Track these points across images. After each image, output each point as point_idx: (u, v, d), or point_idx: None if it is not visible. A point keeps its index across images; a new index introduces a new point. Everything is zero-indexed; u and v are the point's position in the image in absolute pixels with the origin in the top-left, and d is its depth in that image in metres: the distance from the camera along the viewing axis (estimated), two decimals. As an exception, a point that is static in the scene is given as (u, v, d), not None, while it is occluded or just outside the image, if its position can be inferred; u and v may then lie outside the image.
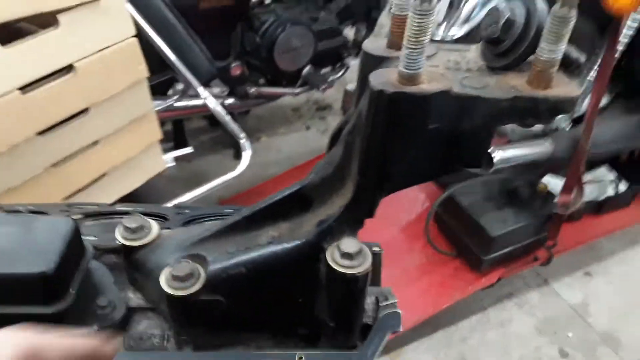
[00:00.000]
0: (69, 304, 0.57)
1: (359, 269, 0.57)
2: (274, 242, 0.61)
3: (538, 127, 2.27)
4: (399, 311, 0.66)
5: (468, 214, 2.17)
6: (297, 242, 0.60)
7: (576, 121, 2.20)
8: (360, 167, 0.56)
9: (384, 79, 0.51)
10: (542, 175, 2.38)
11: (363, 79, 0.55)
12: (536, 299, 2.42)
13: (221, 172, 2.27)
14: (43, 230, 0.59)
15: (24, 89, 1.34)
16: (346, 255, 0.57)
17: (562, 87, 0.52)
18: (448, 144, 0.55)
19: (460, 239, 2.26)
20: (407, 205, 2.53)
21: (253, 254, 0.60)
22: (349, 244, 0.58)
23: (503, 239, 2.12)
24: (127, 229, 0.62)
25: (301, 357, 0.61)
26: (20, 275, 0.55)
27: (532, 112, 0.52)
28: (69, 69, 1.45)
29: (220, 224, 0.64)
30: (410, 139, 0.53)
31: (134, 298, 0.65)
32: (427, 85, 0.51)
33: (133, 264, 0.63)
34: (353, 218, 0.60)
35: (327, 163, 0.61)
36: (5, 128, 1.32)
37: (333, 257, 0.58)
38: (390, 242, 2.43)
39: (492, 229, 2.10)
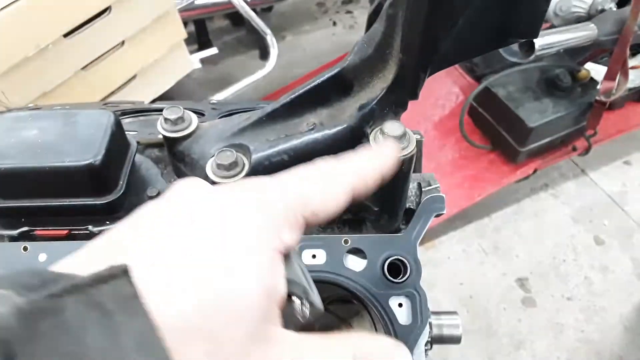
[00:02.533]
0: (119, 195, 0.59)
1: (403, 152, 0.55)
2: (314, 129, 0.60)
3: (582, 10, 2.12)
4: (443, 195, 0.66)
5: (505, 105, 2.10)
6: (339, 127, 0.58)
7: (622, 3, 2.04)
8: (403, 43, 0.52)
9: None
10: (584, 62, 2.26)
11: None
12: (572, 189, 2.41)
13: (247, 74, 2.23)
14: (85, 124, 0.59)
15: (45, -11, 1.30)
16: (390, 139, 0.56)
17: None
18: (502, 11, 0.50)
19: (496, 132, 2.21)
20: (440, 100, 2.46)
21: (294, 142, 0.59)
22: (392, 127, 0.56)
23: (541, 129, 2.07)
24: (167, 120, 0.61)
25: (347, 240, 0.62)
26: (68, 168, 0.56)
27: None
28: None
29: (259, 112, 0.62)
30: (462, 5, 0.49)
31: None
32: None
33: (177, 155, 0.63)
34: (396, 100, 0.58)
35: (366, 42, 0.58)
36: (31, 30, 1.30)
37: (376, 141, 0.57)
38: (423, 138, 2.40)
39: (530, 120, 2.04)
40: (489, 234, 2.27)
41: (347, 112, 0.59)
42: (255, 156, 0.59)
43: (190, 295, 0.29)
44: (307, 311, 0.36)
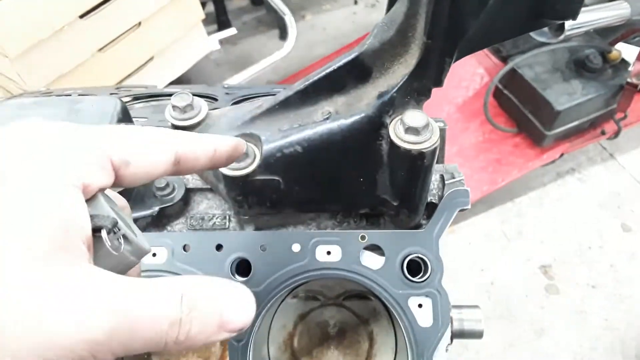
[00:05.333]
0: (124, 187, 0.56)
1: (425, 145, 0.51)
2: (330, 118, 0.56)
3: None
4: (467, 188, 0.62)
5: (532, 87, 2.02)
6: (356, 117, 0.55)
7: (658, -20, 1.93)
8: (428, 25, 0.48)
9: None
10: (616, 42, 2.16)
11: None
12: (600, 173, 2.32)
13: (267, 54, 2.19)
14: (90, 111, 0.56)
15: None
16: (411, 130, 0.52)
17: None
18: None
19: (522, 115, 2.14)
20: (464, 82, 2.39)
21: (308, 132, 0.56)
22: (414, 117, 0.52)
23: (569, 112, 1.99)
24: (175, 108, 0.58)
25: (364, 236, 0.58)
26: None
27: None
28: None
29: (272, 100, 0.59)
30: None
31: (191, 179, 0.63)
32: None
33: (185, 145, 0.60)
34: (418, 88, 0.53)
35: (387, 24, 0.54)
36: (47, 11, 1.28)
37: (396, 132, 0.53)
38: (446, 121, 2.34)
39: (557, 102, 1.96)
40: (512, 219, 2.22)
41: (364, 100, 0.55)
42: (266, 147, 0.55)
43: None
44: (120, 245, 0.35)
